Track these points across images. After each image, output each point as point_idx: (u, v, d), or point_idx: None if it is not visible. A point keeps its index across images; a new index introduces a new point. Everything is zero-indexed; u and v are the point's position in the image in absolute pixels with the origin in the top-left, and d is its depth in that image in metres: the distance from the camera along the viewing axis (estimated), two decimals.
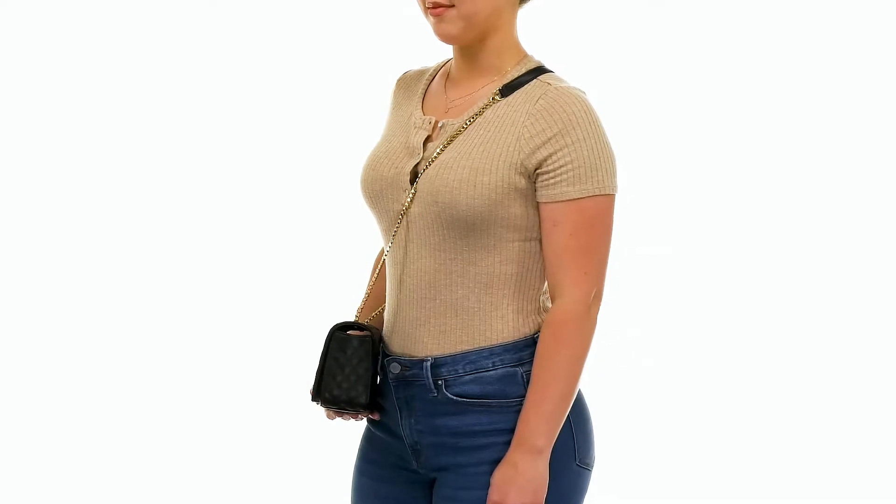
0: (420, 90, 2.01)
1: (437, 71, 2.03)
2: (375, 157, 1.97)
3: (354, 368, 1.93)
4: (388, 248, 1.96)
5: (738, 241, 4.08)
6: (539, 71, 1.94)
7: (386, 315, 1.99)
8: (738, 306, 4.07)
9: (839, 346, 4.03)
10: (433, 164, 1.90)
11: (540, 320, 1.93)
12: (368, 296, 2.07)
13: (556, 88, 1.89)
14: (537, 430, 1.85)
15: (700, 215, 4.09)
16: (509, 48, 1.94)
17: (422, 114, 1.97)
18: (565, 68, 1.99)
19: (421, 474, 1.98)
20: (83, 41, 3.92)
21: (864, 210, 4.07)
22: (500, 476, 1.87)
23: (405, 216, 1.91)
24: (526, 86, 1.91)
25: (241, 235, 3.99)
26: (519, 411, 1.89)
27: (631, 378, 3.99)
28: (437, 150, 1.91)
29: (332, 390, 1.94)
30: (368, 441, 2.06)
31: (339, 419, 2.02)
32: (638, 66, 4.06)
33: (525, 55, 1.96)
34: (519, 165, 1.87)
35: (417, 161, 1.92)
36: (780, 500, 3.82)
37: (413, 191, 1.90)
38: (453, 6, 1.86)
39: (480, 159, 1.87)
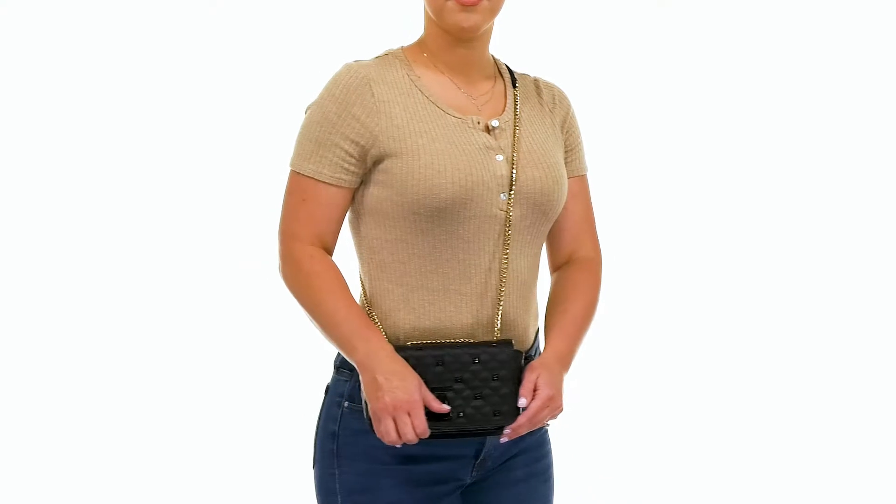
0: (412, 87, 1.91)
1: (407, 66, 1.92)
2: (457, 159, 1.85)
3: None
4: (456, 256, 1.88)
5: (732, 241, 4.10)
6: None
7: (462, 325, 1.90)
8: (731, 307, 4.08)
9: (834, 347, 4.05)
10: (524, 164, 1.91)
11: None
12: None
13: (538, 78, 2.05)
14: (575, 351, 1.97)
15: (695, 216, 4.11)
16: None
17: (455, 112, 1.90)
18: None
19: (464, 483, 1.95)
20: (82, 41, 3.95)
21: (861, 209, 4.09)
22: (547, 376, 1.89)
23: (509, 219, 1.90)
24: (515, 76, 2.02)
25: (239, 235, 4.00)
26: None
27: (623, 378, 4.01)
28: (513, 150, 1.91)
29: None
30: (407, 467, 1.92)
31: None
32: (631, 65, 4.08)
33: None
34: (563, 151, 2.02)
35: (502, 162, 1.89)
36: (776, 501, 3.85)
37: (512, 192, 1.89)
38: None
39: (555, 153, 1.98)
